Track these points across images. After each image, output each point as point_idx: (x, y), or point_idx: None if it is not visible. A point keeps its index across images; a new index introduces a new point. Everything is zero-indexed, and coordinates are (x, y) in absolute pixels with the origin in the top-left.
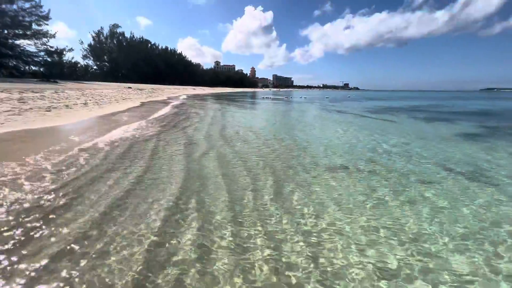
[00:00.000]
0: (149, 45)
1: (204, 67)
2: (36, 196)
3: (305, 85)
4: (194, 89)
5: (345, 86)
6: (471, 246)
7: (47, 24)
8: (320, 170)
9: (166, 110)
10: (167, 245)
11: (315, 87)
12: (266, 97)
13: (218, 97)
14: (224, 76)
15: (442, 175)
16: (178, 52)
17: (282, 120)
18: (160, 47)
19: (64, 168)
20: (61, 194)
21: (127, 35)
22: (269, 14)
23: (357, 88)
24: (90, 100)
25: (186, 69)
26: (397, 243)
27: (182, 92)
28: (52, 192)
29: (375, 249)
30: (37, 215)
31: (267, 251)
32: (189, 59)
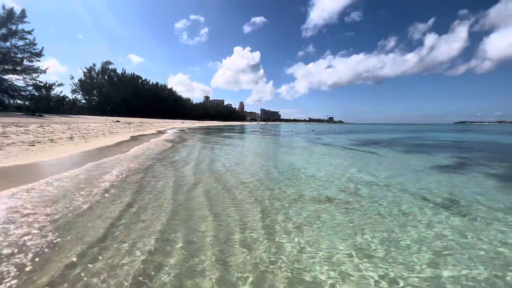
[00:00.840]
0: (140, 80)
1: (194, 102)
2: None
3: (292, 118)
4: (182, 122)
5: (330, 120)
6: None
7: (38, 61)
8: (305, 202)
9: (159, 143)
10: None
11: (301, 120)
12: (255, 130)
13: (207, 130)
14: (213, 110)
15: (421, 205)
16: (168, 87)
17: (269, 153)
18: (151, 82)
19: (38, 209)
20: (30, 235)
21: (119, 71)
22: (257, 54)
23: (341, 122)
24: (76, 134)
25: (176, 103)
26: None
27: (171, 125)
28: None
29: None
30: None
31: None
32: (179, 94)
